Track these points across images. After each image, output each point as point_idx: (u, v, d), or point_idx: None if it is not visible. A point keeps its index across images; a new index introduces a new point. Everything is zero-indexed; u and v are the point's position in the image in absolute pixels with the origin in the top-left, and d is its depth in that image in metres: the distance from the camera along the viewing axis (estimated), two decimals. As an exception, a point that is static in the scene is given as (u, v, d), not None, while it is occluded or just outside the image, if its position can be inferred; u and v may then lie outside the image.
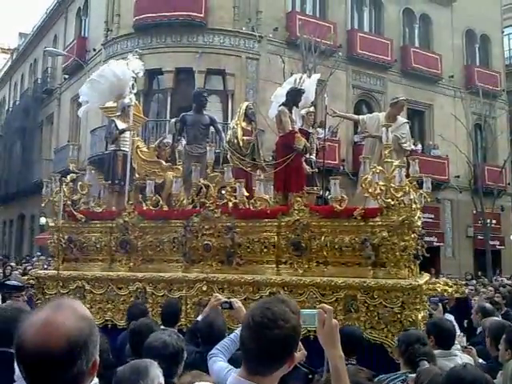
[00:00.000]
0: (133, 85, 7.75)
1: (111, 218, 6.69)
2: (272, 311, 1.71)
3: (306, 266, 5.63)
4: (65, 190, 6.69)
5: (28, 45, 29.32)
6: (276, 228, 5.84)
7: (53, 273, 6.71)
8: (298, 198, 5.85)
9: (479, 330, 5.36)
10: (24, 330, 1.33)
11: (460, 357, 3.80)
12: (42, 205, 7.05)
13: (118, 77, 7.64)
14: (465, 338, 5.04)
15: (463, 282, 7.89)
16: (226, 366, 2.94)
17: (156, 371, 2.38)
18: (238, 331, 3.24)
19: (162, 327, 4.23)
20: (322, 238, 5.63)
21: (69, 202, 6.77)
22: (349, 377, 2.51)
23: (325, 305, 1.97)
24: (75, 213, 6.76)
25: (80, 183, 7.06)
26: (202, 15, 17.52)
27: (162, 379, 2.37)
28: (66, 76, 22.99)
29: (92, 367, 1.37)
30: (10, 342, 1.39)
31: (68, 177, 6.86)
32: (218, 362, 3.07)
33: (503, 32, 25.66)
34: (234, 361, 2.99)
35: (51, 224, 6.91)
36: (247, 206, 6.08)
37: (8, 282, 7.20)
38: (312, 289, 5.43)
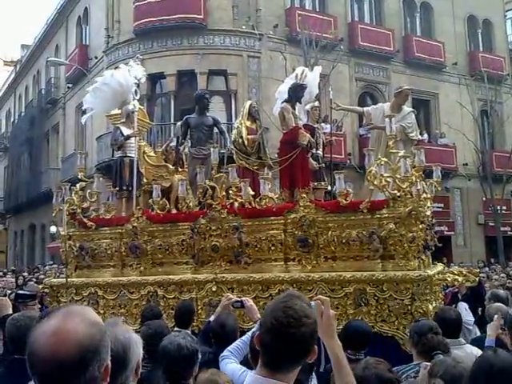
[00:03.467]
0: (136, 91, 7.81)
1: (120, 224, 6.74)
2: (294, 309, 1.69)
3: (314, 261, 5.61)
4: (74, 198, 6.76)
5: (30, 56, 29.43)
6: (282, 225, 5.82)
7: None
8: (304, 195, 5.86)
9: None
10: (35, 338, 1.32)
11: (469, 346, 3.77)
12: (53, 214, 7.13)
13: (120, 84, 7.68)
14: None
15: (477, 270, 7.82)
16: (239, 368, 2.96)
17: (139, 351, 2.03)
18: (250, 333, 3.25)
19: (176, 329, 4.23)
20: (329, 233, 5.60)
21: (79, 211, 6.84)
22: (370, 369, 2.50)
23: (321, 296, 1.96)
24: (85, 220, 6.83)
25: (89, 191, 7.12)
26: (201, 16, 17.55)
27: (141, 355, 2.05)
28: (70, 85, 23.09)
29: (104, 372, 1.37)
30: (23, 350, 1.39)
31: (77, 185, 6.92)
32: (231, 363, 3.08)
33: (505, 16, 25.38)
34: (246, 363, 3.02)
35: (62, 233, 6.97)
36: (253, 205, 6.09)
37: (21, 291, 7.26)
38: (321, 284, 5.42)
